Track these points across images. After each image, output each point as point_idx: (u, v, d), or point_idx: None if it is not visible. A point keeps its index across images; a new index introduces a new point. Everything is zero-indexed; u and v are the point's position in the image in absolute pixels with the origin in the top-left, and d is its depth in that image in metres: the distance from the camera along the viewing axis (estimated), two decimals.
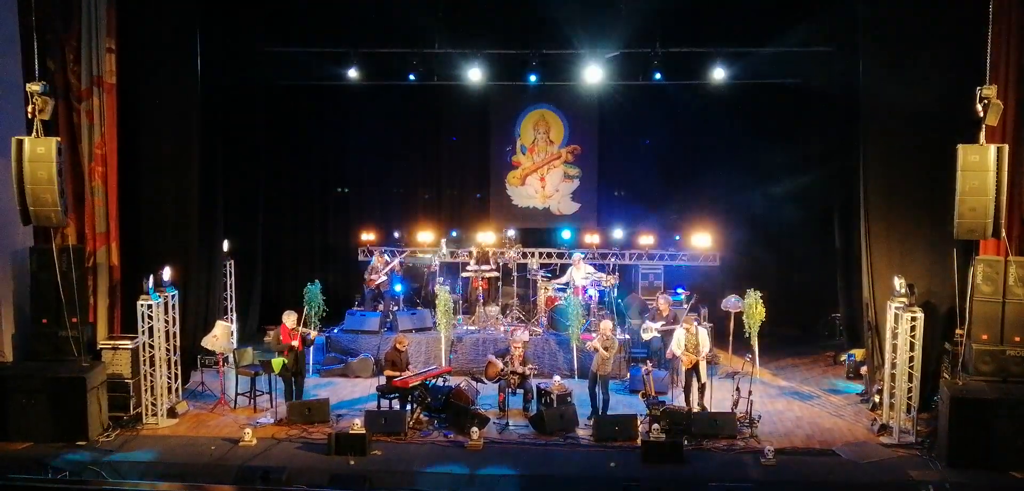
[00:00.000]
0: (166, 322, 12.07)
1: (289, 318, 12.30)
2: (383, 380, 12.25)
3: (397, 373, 11.97)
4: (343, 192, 18.65)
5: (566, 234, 17.89)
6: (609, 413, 11.76)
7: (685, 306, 13.60)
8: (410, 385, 11.86)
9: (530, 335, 13.80)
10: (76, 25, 11.94)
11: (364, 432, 10.77)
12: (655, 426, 11.07)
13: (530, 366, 12.54)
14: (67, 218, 10.93)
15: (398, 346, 12.33)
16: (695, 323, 12.23)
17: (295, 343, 12.13)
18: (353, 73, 15.84)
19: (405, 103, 17.58)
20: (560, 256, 17.15)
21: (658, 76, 15.81)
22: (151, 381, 11.84)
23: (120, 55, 12.24)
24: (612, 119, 17.57)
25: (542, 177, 18.30)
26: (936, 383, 11.17)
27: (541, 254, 17.19)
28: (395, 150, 18.30)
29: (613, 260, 16.50)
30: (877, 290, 12.33)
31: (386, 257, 16.01)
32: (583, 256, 15.69)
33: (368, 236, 17.73)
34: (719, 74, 15.34)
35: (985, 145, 9.90)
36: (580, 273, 15.09)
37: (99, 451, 10.75)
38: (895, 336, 11.24)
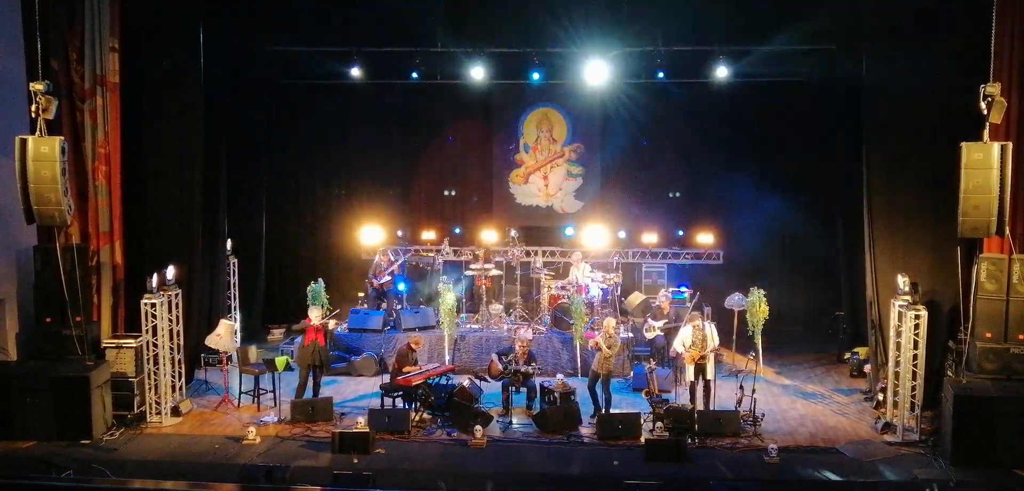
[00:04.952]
0: (169, 321, 12.09)
1: (314, 312, 12.53)
2: (387, 379, 12.27)
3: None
4: (346, 190, 18.65)
5: (569, 231, 17.90)
6: (613, 411, 11.74)
7: (688, 304, 13.59)
8: (413, 383, 11.87)
9: (533, 333, 13.81)
10: (79, 24, 11.94)
11: (368, 430, 10.79)
12: (659, 424, 11.06)
13: (533, 364, 12.54)
14: (71, 217, 10.93)
15: (412, 345, 12.38)
16: (701, 321, 12.17)
17: (317, 337, 12.20)
18: (356, 72, 15.87)
19: (408, 102, 17.59)
20: (563, 255, 17.15)
21: (661, 75, 15.83)
22: (155, 380, 11.86)
23: (123, 54, 12.25)
24: (615, 118, 17.56)
25: (545, 175, 18.31)
26: (940, 381, 11.15)
27: (544, 252, 17.19)
28: (398, 149, 18.34)
29: (616, 258, 16.48)
30: (881, 288, 12.32)
31: (389, 255, 16.02)
32: (582, 255, 15.69)
33: (371, 234, 17.73)
34: (722, 73, 15.32)
35: (989, 143, 9.86)
36: (580, 272, 15.08)
37: (103, 449, 10.76)
38: (899, 334, 11.22)
